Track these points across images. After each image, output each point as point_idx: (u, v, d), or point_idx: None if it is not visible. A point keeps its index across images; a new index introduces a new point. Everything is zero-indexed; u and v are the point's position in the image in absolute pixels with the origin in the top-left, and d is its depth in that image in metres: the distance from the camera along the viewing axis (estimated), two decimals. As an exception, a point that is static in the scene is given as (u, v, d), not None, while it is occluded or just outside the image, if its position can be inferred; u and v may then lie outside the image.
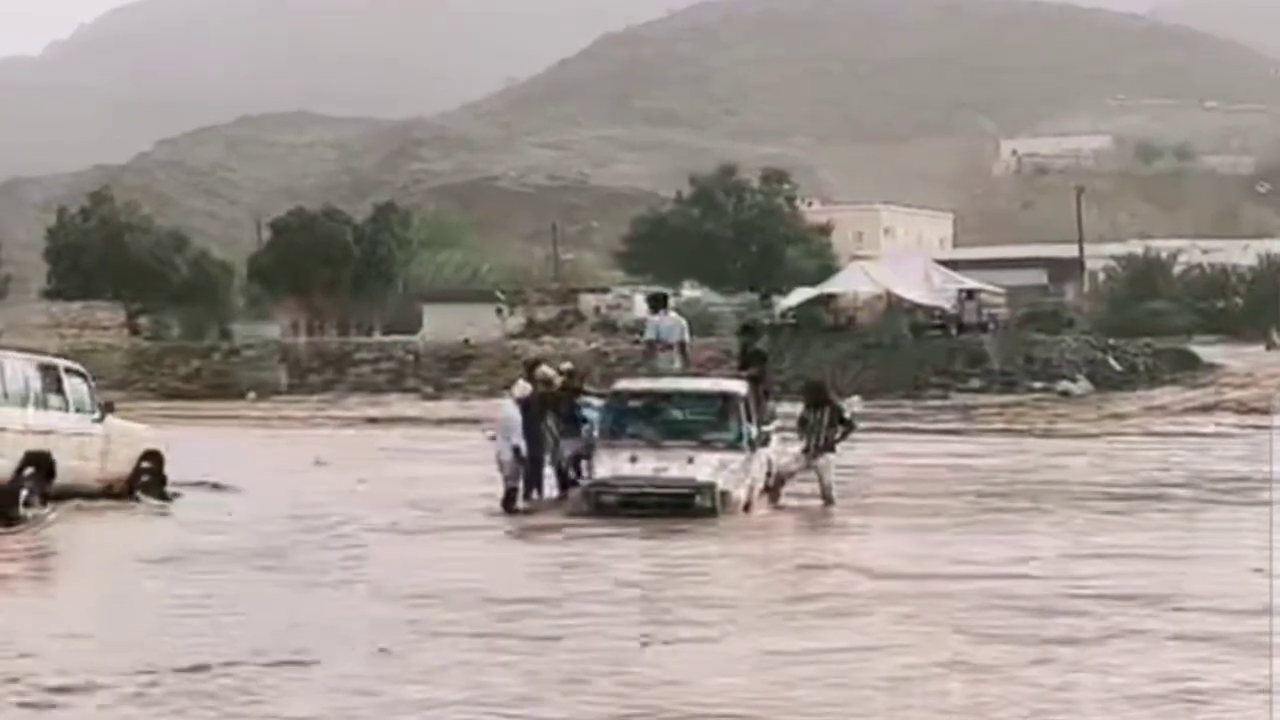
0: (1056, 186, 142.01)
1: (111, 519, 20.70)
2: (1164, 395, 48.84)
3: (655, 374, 23.65)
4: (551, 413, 22.72)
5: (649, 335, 24.88)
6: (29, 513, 19.45)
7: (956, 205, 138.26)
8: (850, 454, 24.13)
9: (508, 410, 22.44)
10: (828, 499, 22.42)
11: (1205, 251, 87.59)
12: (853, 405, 44.17)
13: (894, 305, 61.20)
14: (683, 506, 20.64)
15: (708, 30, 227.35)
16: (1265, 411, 43.34)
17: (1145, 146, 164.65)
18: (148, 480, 22.39)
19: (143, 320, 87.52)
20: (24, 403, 20.05)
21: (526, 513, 21.91)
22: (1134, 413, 45.30)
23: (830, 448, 22.41)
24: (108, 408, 22.05)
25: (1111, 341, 56.73)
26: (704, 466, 21.11)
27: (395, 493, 23.86)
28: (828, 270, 74.20)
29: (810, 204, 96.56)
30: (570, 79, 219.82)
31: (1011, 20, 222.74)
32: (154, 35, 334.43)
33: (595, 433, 22.39)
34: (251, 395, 60.10)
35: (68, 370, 21.54)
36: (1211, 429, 39.84)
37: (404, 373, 62.74)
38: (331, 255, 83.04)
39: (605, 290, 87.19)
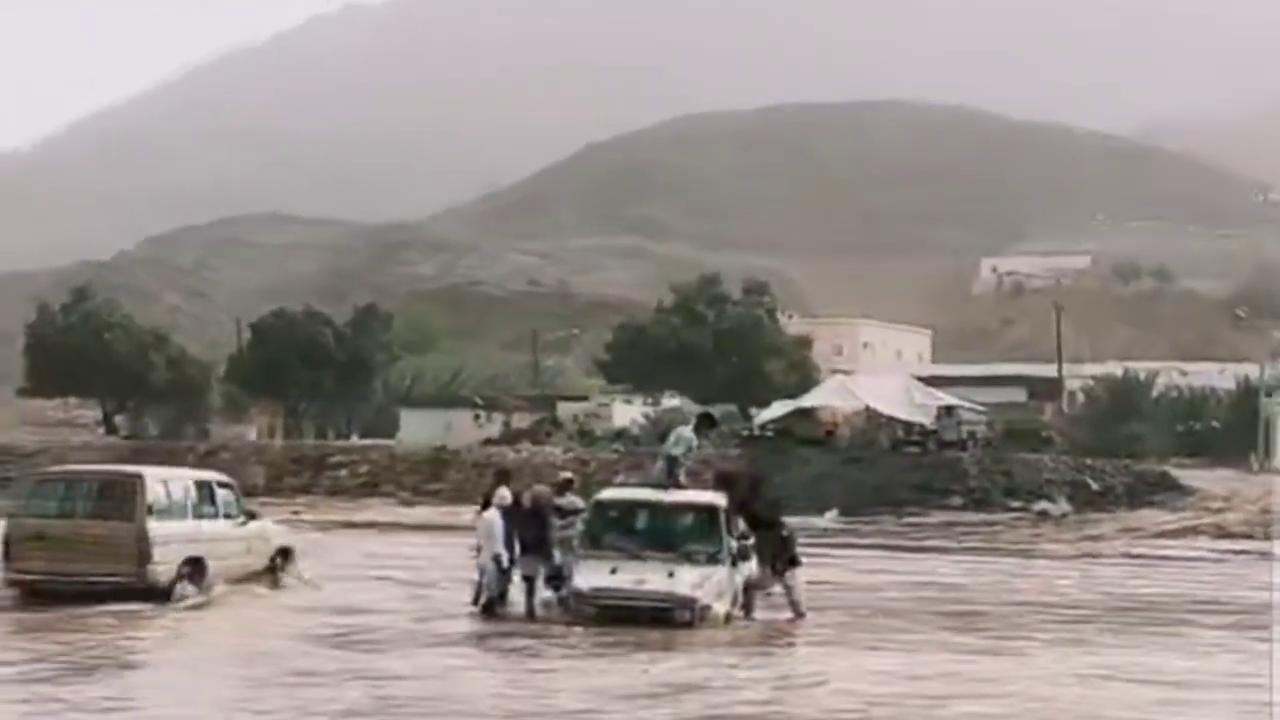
0: (1035, 305, 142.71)
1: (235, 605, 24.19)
2: (1142, 518, 48.75)
3: (648, 485, 23.59)
4: (529, 523, 22.61)
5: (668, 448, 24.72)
6: (180, 597, 23.47)
7: (935, 321, 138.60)
8: (828, 569, 24.06)
9: (491, 519, 22.34)
10: (798, 612, 22.42)
11: (1184, 374, 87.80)
12: (828, 519, 44.23)
13: (873, 420, 61.25)
14: (662, 619, 20.53)
15: (693, 140, 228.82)
16: (1245, 536, 43.35)
17: (1124, 267, 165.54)
18: (281, 570, 26.38)
19: (119, 419, 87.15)
20: (183, 515, 24.24)
21: (501, 620, 21.84)
22: (1111, 534, 45.24)
23: (795, 562, 22.50)
24: (251, 514, 26.13)
25: (1090, 462, 56.64)
26: (684, 580, 21.00)
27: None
28: (807, 383, 74.17)
29: (790, 316, 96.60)
30: (555, 185, 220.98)
31: (996, 139, 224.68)
32: (141, 135, 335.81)
33: (576, 543, 22.30)
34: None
35: (219, 484, 25.80)
36: (1189, 553, 39.80)
37: (380, 477, 62.53)
38: (312, 357, 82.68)
39: (584, 398, 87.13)
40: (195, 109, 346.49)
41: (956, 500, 52.72)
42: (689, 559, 21.60)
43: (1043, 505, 51.56)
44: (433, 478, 61.73)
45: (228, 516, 25.30)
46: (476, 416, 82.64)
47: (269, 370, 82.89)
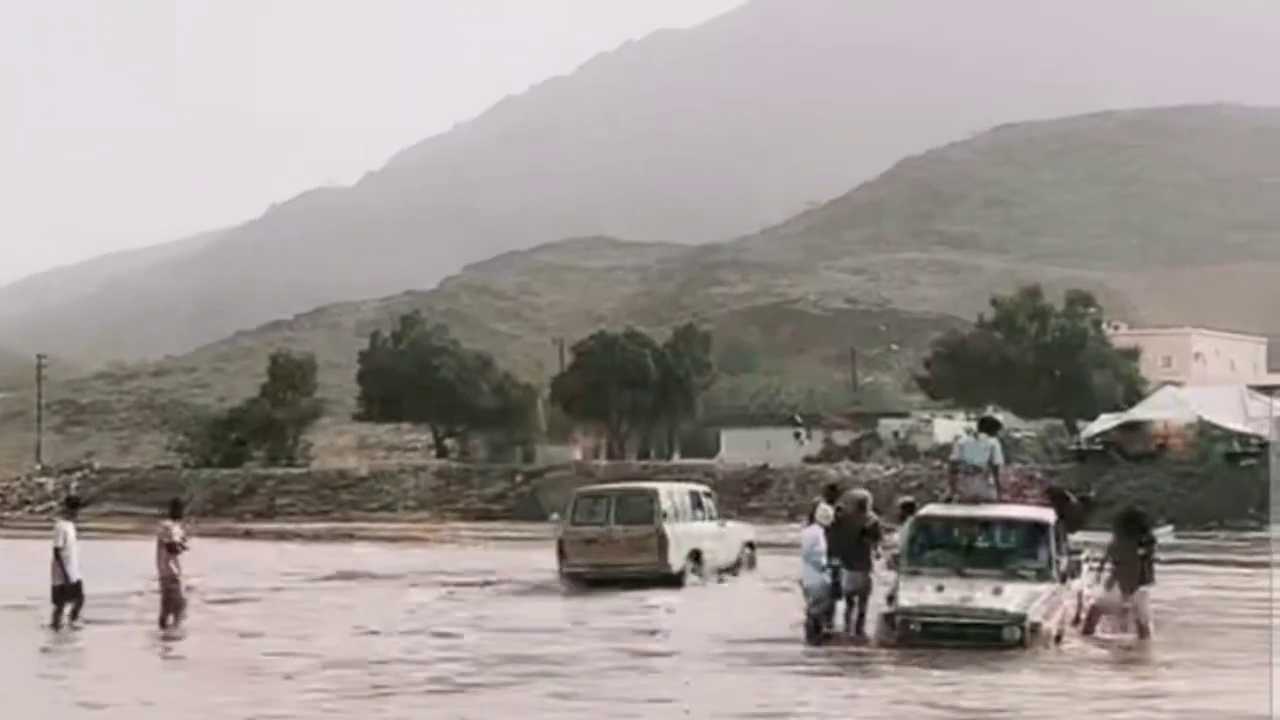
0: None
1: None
2: None
3: (965, 501, 22.96)
4: (847, 538, 22.26)
5: (954, 456, 24.23)
6: (689, 581, 30.64)
7: (1270, 330, 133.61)
8: (1163, 588, 23.24)
9: (813, 535, 22.08)
10: (1144, 631, 21.61)
11: None
12: (1164, 536, 42.79)
13: (1206, 432, 59.31)
14: (990, 638, 20.05)
15: (1008, 152, 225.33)
16: None
17: None
18: (749, 559, 33.49)
19: (449, 442, 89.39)
20: (684, 518, 31.57)
21: (827, 639, 21.55)
22: None
23: (1148, 579, 21.66)
24: (727, 517, 34.59)
25: None
26: (1013, 597, 20.48)
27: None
28: (1134, 396, 72.24)
29: (1116, 327, 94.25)
30: (870, 201, 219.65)
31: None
32: (461, 163, 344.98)
33: (898, 561, 21.92)
34: (555, 517, 60.78)
35: (704, 494, 33.57)
36: None
37: (703, 496, 62.73)
38: (632, 378, 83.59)
39: (905, 415, 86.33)
40: (509, 138, 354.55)
41: (1298, 514, 50.67)
42: (1016, 576, 21.08)
43: (1392, 518, 49.22)
44: (755, 495, 61.86)
45: (711, 519, 32.70)
46: (796, 435, 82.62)
47: (591, 392, 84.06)
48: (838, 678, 19.09)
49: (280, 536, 52.42)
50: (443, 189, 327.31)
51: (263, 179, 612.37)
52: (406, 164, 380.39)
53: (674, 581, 29.97)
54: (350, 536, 53.06)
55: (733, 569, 32.53)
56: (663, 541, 30.41)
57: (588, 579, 30.17)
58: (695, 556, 31.07)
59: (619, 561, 30.25)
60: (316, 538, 52.68)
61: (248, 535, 52.33)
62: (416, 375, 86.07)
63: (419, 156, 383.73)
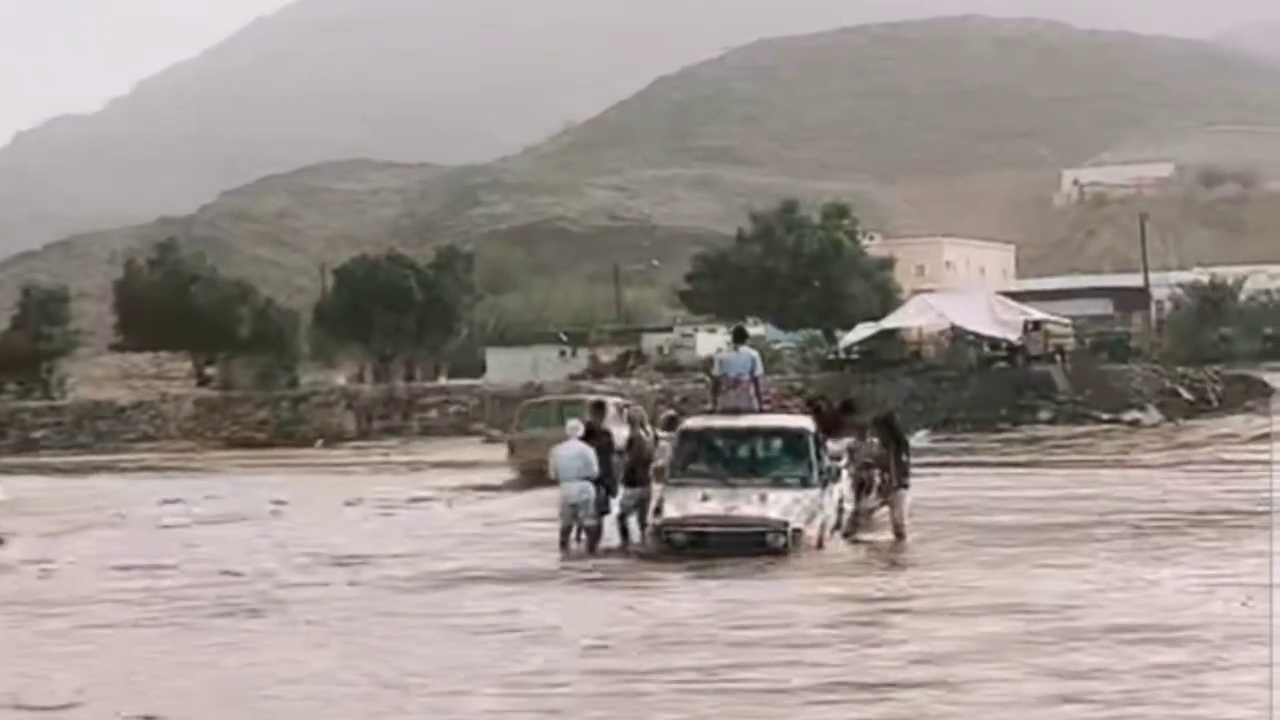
0: (1119, 215, 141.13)
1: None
2: (1235, 423, 48.30)
3: (728, 412, 23.40)
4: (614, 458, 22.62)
5: (716, 371, 24.72)
6: None
7: (1018, 236, 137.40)
8: (921, 489, 23.98)
9: (562, 451, 22.37)
10: (900, 534, 22.31)
11: (1272, 277, 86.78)
12: (919, 439, 44.08)
13: (959, 338, 60.97)
14: (755, 545, 20.52)
15: (763, 68, 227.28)
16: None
17: (1208, 173, 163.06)
18: None
19: (210, 370, 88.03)
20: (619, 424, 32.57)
21: (578, 555, 21.83)
22: (1204, 441, 44.86)
23: (904, 483, 22.34)
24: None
25: (1180, 370, 56.17)
26: (776, 504, 20.98)
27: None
28: (890, 304, 73.84)
29: (871, 238, 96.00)
30: (627, 120, 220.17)
31: (1069, 49, 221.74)
32: (213, 89, 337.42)
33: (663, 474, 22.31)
34: (319, 442, 60.51)
35: (629, 404, 35.13)
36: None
37: (471, 416, 62.91)
38: (395, 301, 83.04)
39: (668, 329, 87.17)
40: (261, 61, 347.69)
41: (1046, 414, 52.49)
42: (780, 484, 21.58)
43: (1134, 415, 51.23)
44: (522, 415, 61.92)
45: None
46: (562, 353, 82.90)
47: (353, 316, 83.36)
48: (590, 591, 19.37)
49: (34, 470, 51.15)
50: (194, 114, 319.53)
51: (6, 106, 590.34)
52: (154, 89, 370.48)
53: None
54: (108, 468, 51.95)
55: None
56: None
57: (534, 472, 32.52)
58: None
59: None
60: (75, 470, 51.51)
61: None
62: (174, 303, 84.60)
63: (167, 82, 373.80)
